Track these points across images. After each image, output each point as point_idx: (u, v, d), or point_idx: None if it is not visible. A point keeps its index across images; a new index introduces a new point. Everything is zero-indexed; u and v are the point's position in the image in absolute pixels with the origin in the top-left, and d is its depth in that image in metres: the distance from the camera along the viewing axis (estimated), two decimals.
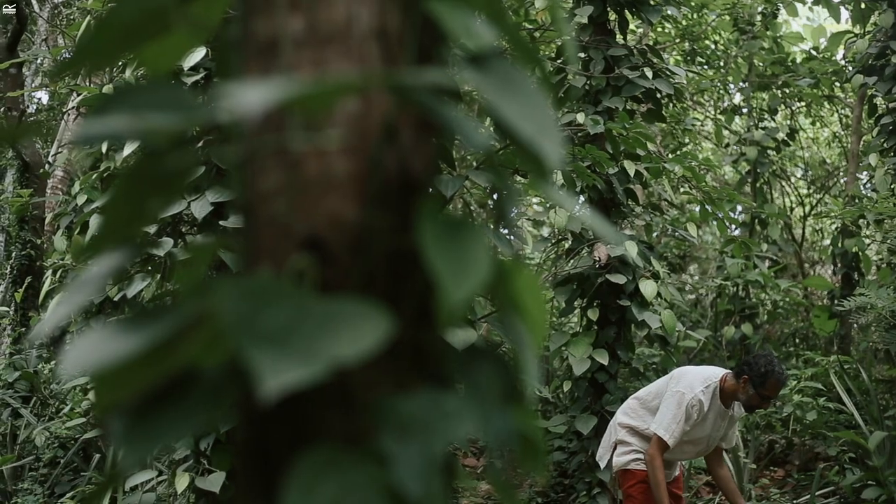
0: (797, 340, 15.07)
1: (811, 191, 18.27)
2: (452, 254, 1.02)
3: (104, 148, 7.40)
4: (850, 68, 13.12)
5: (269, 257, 1.09)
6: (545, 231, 14.70)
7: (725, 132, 15.89)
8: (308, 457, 0.95)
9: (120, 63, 7.10)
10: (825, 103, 16.52)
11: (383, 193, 1.09)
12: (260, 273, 1.08)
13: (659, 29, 15.28)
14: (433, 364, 1.11)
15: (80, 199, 7.62)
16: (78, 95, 9.97)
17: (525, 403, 1.16)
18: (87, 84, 9.27)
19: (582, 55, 9.07)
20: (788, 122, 15.89)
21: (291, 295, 0.97)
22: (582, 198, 8.61)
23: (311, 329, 0.92)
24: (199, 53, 5.66)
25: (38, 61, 16.72)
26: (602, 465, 6.69)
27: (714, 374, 6.27)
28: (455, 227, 1.06)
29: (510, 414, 1.11)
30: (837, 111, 17.18)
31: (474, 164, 6.07)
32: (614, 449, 6.45)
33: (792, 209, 17.55)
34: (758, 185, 15.00)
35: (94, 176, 7.50)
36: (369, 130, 1.09)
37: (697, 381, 6.18)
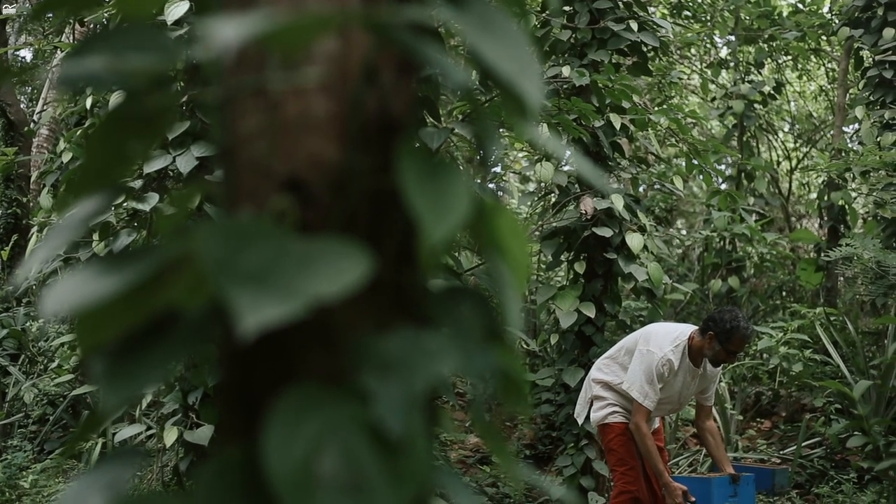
0: (784, 293, 15.14)
1: (798, 144, 18.30)
2: (432, 193, 1.02)
3: (88, 104, 7.36)
4: (837, 21, 13.12)
5: (250, 199, 1.09)
6: (531, 186, 14.70)
7: (712, 86, 15.87)
8: (289, 396, 0.96)
9: (104, 20, 7.05)
10: (811, 56, 16.51)
11: (363, 134, 1.09)
12: (240, 214, 1.08)
13: None
14: (414, 304, 1.12)
15: (66, 157, 7.59)
16: (61, 52, 9.91)
17: (507, 342, 1.16)
18: (71, 41, 9.21)
19: (567, 8, 9.03)
20: (775, 75, 15.88)
21: (271, 235, 0.97)
22: (569, 149, 8.59)
23: (290, 267, 0.92)
24: (181, 7, 5.63)
25: (21, 19, 16.61)
26: (580, 421, 6.75)
27: (683, 332, 6.33)
28: (435, 167, 1.06)
29: (492, 352, 1.11)
30: (824, 64, 17.18)
31: (459, 117, 6.05)
32: (590, 405, 6.49)
33: (778, 163, 17.57)
34: (744, 138, 15.01)
35: (78, 133, 7.46)
36: (349, 70, 1.09)
37: (666, 340, 6.24)
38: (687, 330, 6.36)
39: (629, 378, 6.16)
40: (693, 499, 6.10)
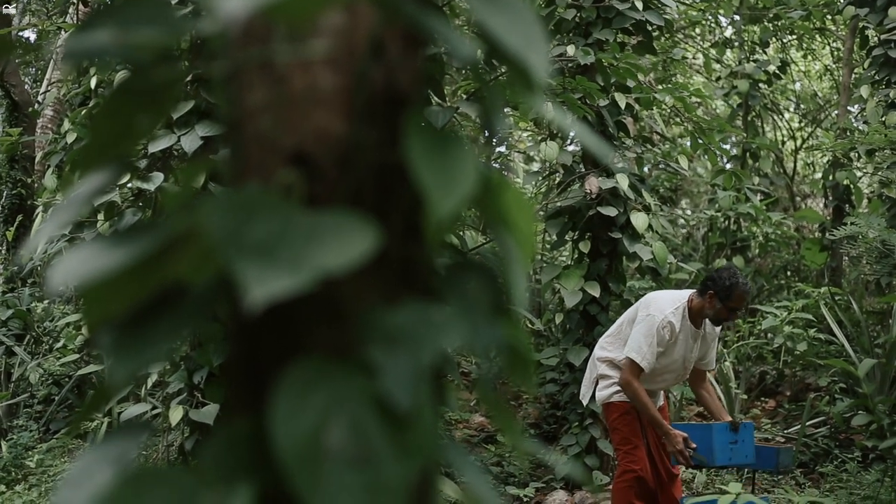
0: (788, 273, 15.13)
1: (803, 124, 18.24)
2: (439, 167, 1.02)
3: (93, 84, 7.36)
4: (842, 0, 13.05)
5: (257, 173, 1.09)
6: (536, 166, 14.68)
7: (717, 66, 15.83)
8: (296, 369, 0.96)
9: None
10: (817, 36, 16.46)
11: (370, 108, 1.09)
12: (247, 188, 1.08)
13: None
14: (421, 278, 1.12)
15: (70, 137, 7.59)
16: (65, 33, 9.90)
17: (513, 316, 1.16)
18: (75, 22, 9.20)
19: None
20: (780, 55, 15.82)
21: (278, 208, 0.97)
22: (573, 129, 8.57)
23: (297, 240, 0.92)
24: None
25: (25, 0, 16.60)
26: (585, 402, 6.75)
27: (682, 295, 6.39)
28: (442, 140, 1.06)
29: (498, 326, 1.11)
30: (829, 44, 17.12)
31: (464, 96, 6.05)
32: (596, 384, 6.49)
33: (783, 142, 17.52)
34: (749, 118, 14.97)
35: (83, 113, 7.46)
36: (355, 44, 1.09)
37: (667, 303, 6.28)
38: (685, 294, 6.41)
39: (629, 344, 6.16)
40: (694, 445, 6.12)
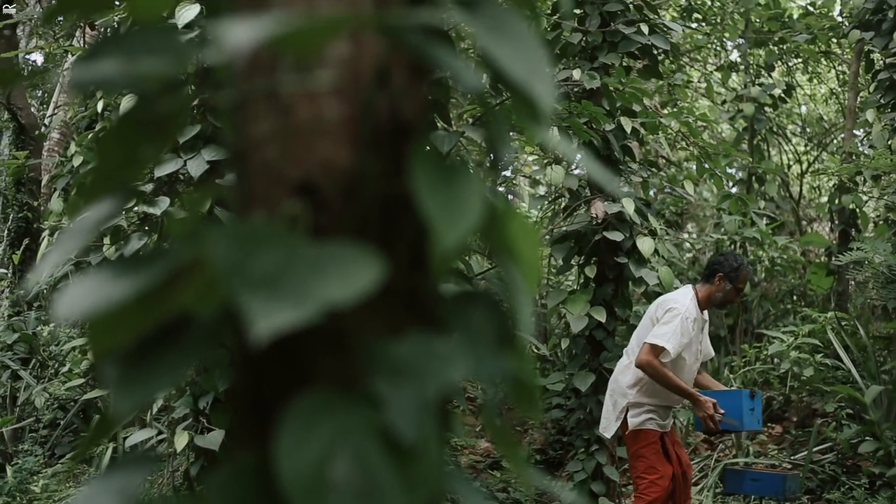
0: (794, 297, 15.09)
1: (808, 147, 18.25)
2: (445, 197, 1.02)
3: (99, 108, 7.38)
4: (847, 23, 13.07)
5: (262, 203, 1.09)
6: (542, 190, 14.68)
7: (722, 89, 15.84)
8: (302, 401, 0.95)
9: (115, 23, 7.07)
10: (822, 59, 16.46)
11: (376, 138, 1.09)
12: (253, 219, 1.08)
13: None
14: (427, 308, 1.11)
15: (77, 161, 7.60)
16: (72, 56, 9.94)
17: (519, 348, 1.16)
18: (82, 45, 9.23)
19: (578, 11, 9.02)
20: (785, 78, 15.83)
21: (284, 239, 0.97)
22: (580, 152, 8.59)
23: (303, 272, 0.92)
24: (192, 10, 5.63)
25: (32, 22, 16.67)
26: (608, 434, 6.75)
27: (688, 289, 6.63)
28: (448, 171, 1.06)
29: (504, 357, 1.11)
30: (834, 67, 17.13)
31: (470, 120, 6.05)
32: (626, 412, 6.47)
33: (789, 166, 17.52)
34: (755, 142, 14.98)
35: (90, 136, 7.48)
36: (361, 74, 1.09)
37: (682, 297, 6.50)
38: (688, 287, 6.67)
39: (653, 332, 6.26)
40: (722, 411, 6.29)
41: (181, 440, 6.05)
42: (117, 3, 1.14)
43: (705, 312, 6.63)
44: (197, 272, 1.00)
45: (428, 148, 1.08)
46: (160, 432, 6.74)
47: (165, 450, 6.42)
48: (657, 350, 6.16)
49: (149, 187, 5.97)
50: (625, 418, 6.50)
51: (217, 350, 1.06)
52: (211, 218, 4.76)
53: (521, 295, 1.14)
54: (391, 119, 1.10)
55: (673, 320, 6.24)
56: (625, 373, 6.56)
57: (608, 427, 6.64)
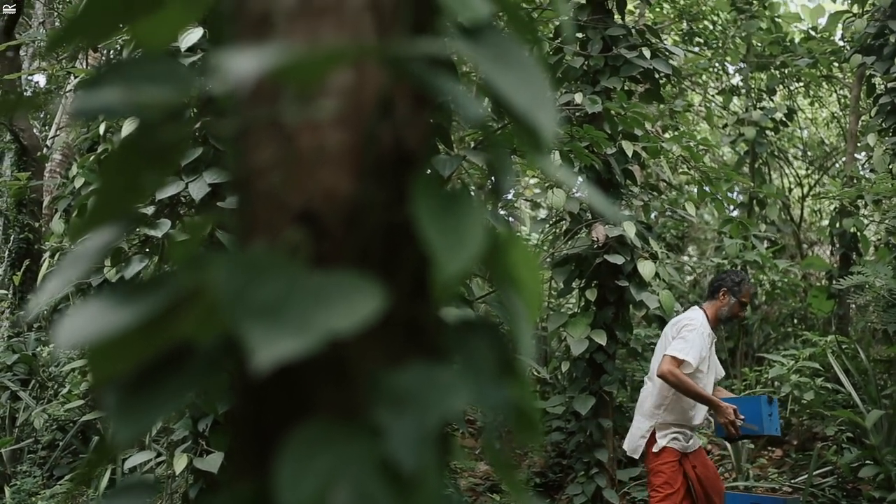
0: (795, 321, 15.08)
1: (809, 171, 18.26)
2: (447, 226, 1.02)
3: (101, 130, 7.39)
4: (849, 48, 13.11)
5: (264, 231, 1.09)
6: (543, 213, 14.68)
7: (723, 112, 15.86)
8: (302, 430, 0.95)
9: (118, 46, 7.08)
10: (823, 83, 16.50)
11: (378, 167, 1.09)
12: (254, 247, 1.08)
13: (657, 9, 15.23)
14: (428, 337, 1.11)
15: (78, 182, 7.60)
16: (75, 78, 9.95)
17: (520, 376, 1.15)
18: (84, 67, 9.25)
19: (580, 35, 9.05)
20: (787, 102, 15.85)
21: (285, 268, 0.97)
22: (580, 178, 8.60)
23: (304, 301, 0.92)
24: (195, 34, 5.65)
25: (35, 44, 16.71)
26: (636, 456, 6.81)
27: (696, 308, 6.78)
28: (449, 200, 1.06)
29: (505, 386, 1.11)
30: (836, 91, 17.16)
31: (472, 144, 6.05)
32: (652, 434, 6.55)
33: (790, 189, 17.53)
34: (756, 165, 14.98)
35: (91, 158, 7.48)
36: (364, 103, 1.09)
37: (696, 314, 6.64)
38: (696, 307, 6.81)
39: (672, 346, 6.37)
40: (743, 417, 6.39)
41: (180, 462, 6.03)
42: (121, 26, 1.14)
43: (713, 331, 6.69)
44: (198, 300, 1.00)
45: (430, 176, 1.08)
46: (159, 454, 6.72)
47: (164, 472, 6.40)
48: (678, 361, 6.27)
49: (150, 209, 5.97)
50: (651, 438, 6.61)
51: (218, 377, 1.06)
52: (212, 242, 4.77)
53: (523, 322, 1.14)
54: (394, 148, 1.10)
55: (690, 334, 6.38)
56: (649, 397, 6.64)
57: (636, 449, 6.75)
